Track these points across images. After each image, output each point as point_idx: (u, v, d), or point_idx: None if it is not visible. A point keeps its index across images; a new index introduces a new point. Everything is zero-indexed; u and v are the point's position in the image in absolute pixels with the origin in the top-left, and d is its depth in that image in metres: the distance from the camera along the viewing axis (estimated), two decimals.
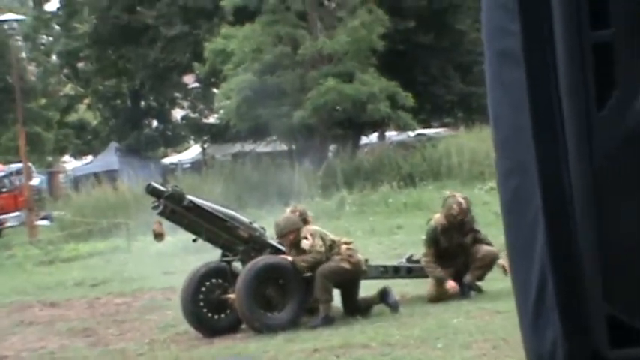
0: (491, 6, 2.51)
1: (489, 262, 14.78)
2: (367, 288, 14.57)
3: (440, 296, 14.81)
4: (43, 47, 58.99)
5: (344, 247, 14.32)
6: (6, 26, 40.90)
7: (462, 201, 15.35)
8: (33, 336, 15.97)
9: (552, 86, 2.42)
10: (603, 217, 2.38)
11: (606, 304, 2.36)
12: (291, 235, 14.39)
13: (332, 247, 14.27)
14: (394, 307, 14.27)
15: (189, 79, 50.98)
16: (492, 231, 14.83)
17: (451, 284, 14.96)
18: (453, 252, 15.15)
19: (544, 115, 2.45)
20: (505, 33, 2.49)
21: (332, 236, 14.51)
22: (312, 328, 13.83)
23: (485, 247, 14.93)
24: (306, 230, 14.41)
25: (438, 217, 15.27)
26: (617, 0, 2.37)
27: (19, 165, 42.04)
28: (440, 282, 15.03)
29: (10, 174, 44.28)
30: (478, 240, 15.12)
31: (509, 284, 2.61)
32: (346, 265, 14.21)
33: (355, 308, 14.32)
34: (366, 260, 14.78)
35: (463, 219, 15.10)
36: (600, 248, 2.39)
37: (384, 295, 14.45)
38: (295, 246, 14.35)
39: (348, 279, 14.28)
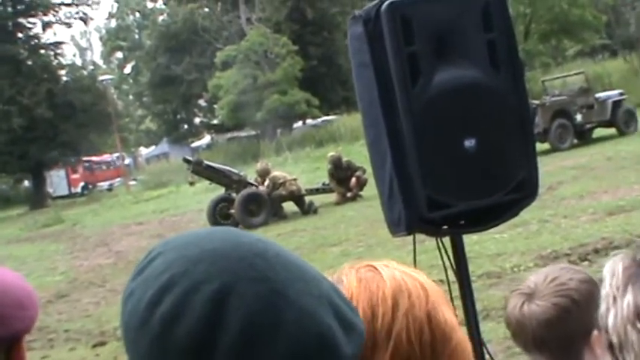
0: (353, 37, 2.44)
1: (363, 182, 14.80)
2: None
3: (340, 202, 14.82)
4: (124, 90, 58.18)
5: (289, 182, 14.28)
6: (104, 81, 40.05)
7: (335, 155, 15.55)
8: (132, 240, 15.81)
9: (388, 78, 2.36)
10: (419, 145, 2.33)
11: (423, 189, 2.33)
12: (264, 176, 14.40)
13: (282, 183, 14.18)
14: (315, 211, 14.23)
15: (202, 101, 50.34)
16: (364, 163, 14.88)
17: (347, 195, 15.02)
18: (343, 179, 15.16)
19: (385, 93, 2.39)
20: (362, 51, 2.43)
21: (284, 176, 14.46)
22: (275, 223, 13.78)
23: (360, 176, 14.94)
24: (272, 175, 14.38)
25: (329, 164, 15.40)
26: (419, 26, 2.30)
27: (117, 154, 41.42)
28: (340, 194, 15.03)
29: (115, 158, 43.36)
30: (354, 171, 15.12)
31: (375, 192, 2.55)
32: (289, 190, 14.17)
33: (303, 211, 14.25)
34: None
35: (340, 163, 15.10)
36: (419, 161, 2.34)
37: (310, 205, 14.43)
38: (264, 181, 14.33)
39: (294, 197, 14.26)
